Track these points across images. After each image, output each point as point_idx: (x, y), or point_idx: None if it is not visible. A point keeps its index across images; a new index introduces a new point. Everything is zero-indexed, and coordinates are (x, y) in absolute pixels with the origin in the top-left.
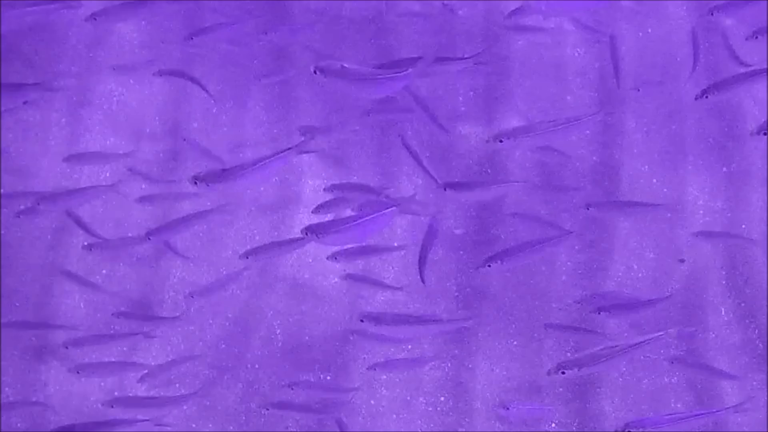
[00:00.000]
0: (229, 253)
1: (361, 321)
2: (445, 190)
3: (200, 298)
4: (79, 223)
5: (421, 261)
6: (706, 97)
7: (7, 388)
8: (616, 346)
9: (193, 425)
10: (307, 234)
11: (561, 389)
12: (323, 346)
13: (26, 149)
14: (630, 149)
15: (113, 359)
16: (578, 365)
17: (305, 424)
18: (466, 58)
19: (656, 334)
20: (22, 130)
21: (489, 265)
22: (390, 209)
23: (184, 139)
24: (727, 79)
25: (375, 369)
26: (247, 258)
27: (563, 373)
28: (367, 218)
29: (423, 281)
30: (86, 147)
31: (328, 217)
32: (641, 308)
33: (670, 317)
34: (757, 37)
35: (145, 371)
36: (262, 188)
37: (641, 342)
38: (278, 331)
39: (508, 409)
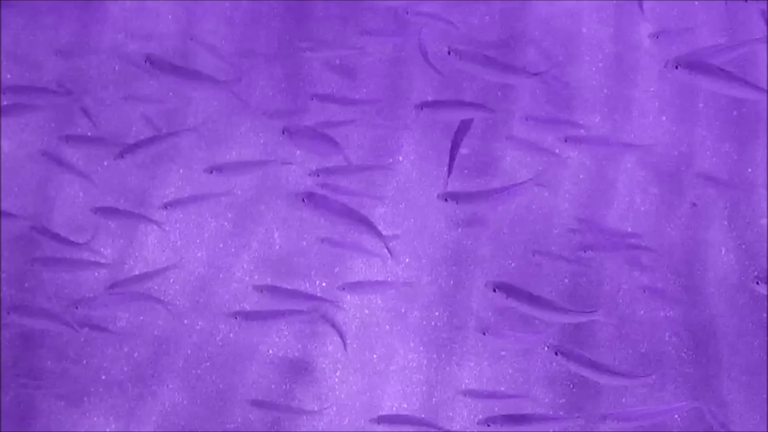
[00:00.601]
0: (233, 155)
1: (302, 201)
2: (421, 109)
3: (174, 211)
4: (86, 113)
5: (451, 157)
6: (676, 67)
7: (4, 287)
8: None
9: (185, 321)
10: (283, 133)
11: None
12: (320, 252)
13: (36, 39)
14: (643, 85)
15: (104, 251)
16: (510, 290)
17: (298, 330)
18: None
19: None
20: (33, 19)
21: (446, 200)
22: (336, 146)
23: (191, 39)
24: (699, 54)
25: (344, 289)
26: (212, 173)
27: (496, 291)
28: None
29: (449, 174)
30: (97, 41)
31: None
32: (627, 249)
33: (671, 254)
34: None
35: (115, 278)
36: (270, 93)
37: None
38: (276, 234)
39: (484, 334)
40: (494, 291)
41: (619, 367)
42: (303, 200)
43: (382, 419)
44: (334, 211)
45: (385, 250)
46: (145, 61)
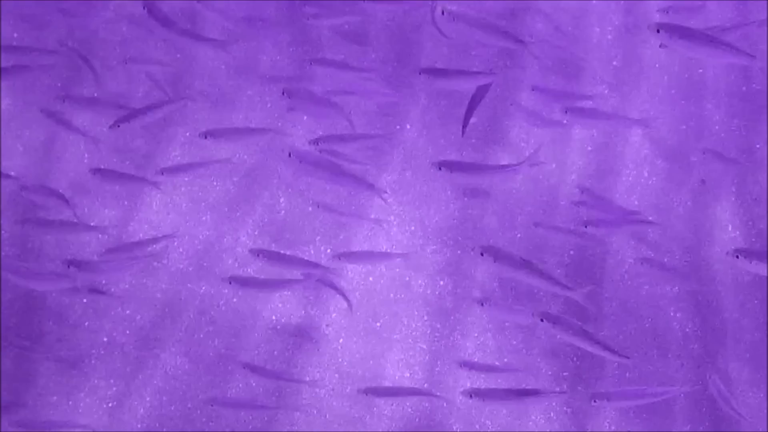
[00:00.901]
0: (239, 119)
1: (289, 155)
2: (420, 75)
3: (170, 177)
4: (91, 67)
5: (466, 116)
6: (657, 31)
7: (6, 247)
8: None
9: (189, 284)
10: (283, 93)
11: None
12: (326, 217)
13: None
14: (652, 59)
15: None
16: (498, 254)
17: (302, 296)
18: None
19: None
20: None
21: (440, 168)
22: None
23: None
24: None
25: (339, 258)
26: (206, 138)
27: (483, 254)
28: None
29: (462, 134)
30: (104, 2)
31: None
32: (630, 225)
33: (676, 229)
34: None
35: (111, 245)
36: (278, 58)
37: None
38: (282, 199)
39: (482, 305)
40: (481, 255)
41: (605, 339)
42: (289, 155)
43: (369, 391)
44: (322, 168)
45: (384, 214)
46: (144, 8)
